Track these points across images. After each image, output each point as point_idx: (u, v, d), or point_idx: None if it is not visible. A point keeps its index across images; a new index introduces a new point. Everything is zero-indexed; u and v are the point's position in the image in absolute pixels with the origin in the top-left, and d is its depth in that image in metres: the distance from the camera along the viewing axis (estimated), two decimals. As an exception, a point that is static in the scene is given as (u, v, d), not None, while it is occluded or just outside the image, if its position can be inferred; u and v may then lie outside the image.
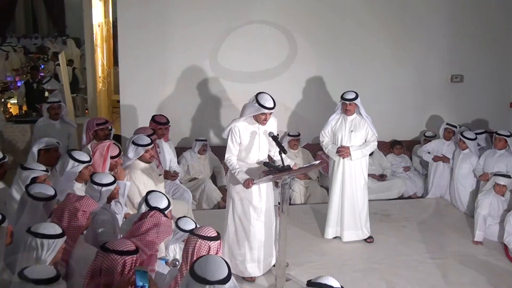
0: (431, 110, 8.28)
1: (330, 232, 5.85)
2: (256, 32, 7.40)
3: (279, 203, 4.62)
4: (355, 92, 5.63)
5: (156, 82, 7.31)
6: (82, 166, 4.27)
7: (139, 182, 4.76)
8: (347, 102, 5.59)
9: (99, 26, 10.19)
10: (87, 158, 4.32)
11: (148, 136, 5.08)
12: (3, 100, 10.09)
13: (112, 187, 3.98)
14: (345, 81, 7.50)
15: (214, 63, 7.39)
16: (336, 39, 7.67)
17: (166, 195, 3.92)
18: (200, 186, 6.91)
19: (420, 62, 8.05)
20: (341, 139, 5.66)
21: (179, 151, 7.41)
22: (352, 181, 5.68)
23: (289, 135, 7.44)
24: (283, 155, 4.46)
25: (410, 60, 7.99)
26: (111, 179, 4.00)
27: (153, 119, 5.91)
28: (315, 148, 7.68)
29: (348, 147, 5.60)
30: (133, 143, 4.81)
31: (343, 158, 5.63)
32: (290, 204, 7.10)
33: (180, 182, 6.68)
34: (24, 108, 9.43)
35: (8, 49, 13.08)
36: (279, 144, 4.55)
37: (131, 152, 4.81)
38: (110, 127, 6.65)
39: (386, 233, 6.09)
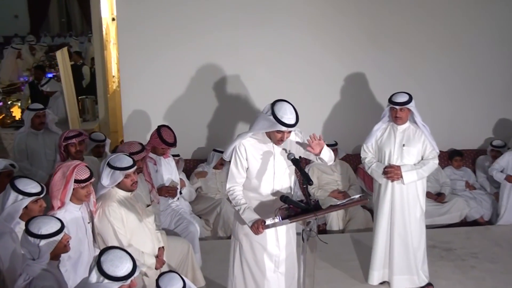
0: (498, 112, 6.78)
1: (376, 277, 4.51)
2: (281, 20, 6.10)
3: (303, 231, 3.29)
4: (408, 94, 4.27)
5: (164, 83, 6.13)
6: (28, 200, 3.12)
7: (114, 218, 3.56)
8: (397, 107, 4.23)
9: (113, 20, 9.11)
10: (36, 189, 3.17)
11: (132, 154, 3.89)
12: (9, 102, 9.16)
13: (56, 238, 2.80)
14: (392, 79, 6.18)
15: (233, 59, 6.13)
16: (380, 28, 6.25)
17: (131, 252, 2.68)
18: (215, 209, 5.67)
19: (483, 53, 6.54)
20: (390, 155, 4.31)
21: (192, 164, 6.22)
22: (404, 211, 4.32)
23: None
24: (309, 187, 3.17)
25: (470, 51, 6.50)
26: (56, 226, 2.81)
27: (160, 135, 4.65)
28: (356, 160, 6.34)
29: (398, 167, 4.24)
30: (109, 165, 3.61)
31: (392, 181, 4.28)
32: (325, 230, 5.84)
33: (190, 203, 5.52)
34: (29, 112, 8.42)
35: (22, 47, 12.18)
36: (302, 170, 3.26)
37: (106, 177, 3.60)
38: (104, 138, 5.55)
39: (449, 277, 4.70)
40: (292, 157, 3.33)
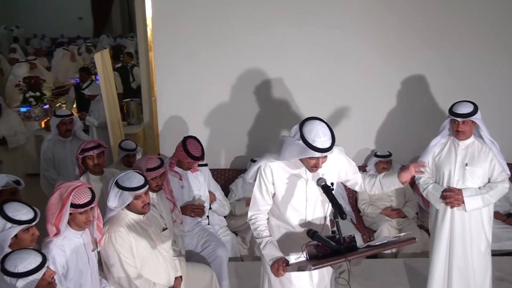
0: None
1: (430, 318, 3.86)
2: (328, 20, 5.48)
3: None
4: (473, 103, 3.59)
5: (201, 87, 5.67)
6: (17, 228, 2.74)
7: (121, 246, 3.13)
8: (459, 120, 3.56)
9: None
10: (27, 216, 2.78)
11: (149, 170, 3.46)
12: (58, 105, 9.09)
13: (36, 276, 2.39)
14: (457, 82, 5.44)
15: (276, 62, 5.58)
16: (444, 25, 5.52)
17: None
18: (252, 225, 5.16)
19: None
20: (449, 176, 3.64)
21: (232, 174, 5.75)
22: (466, 244, 3.64)
23: (376, 155, 5.49)
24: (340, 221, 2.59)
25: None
26: (35, 262, 2.41)
27: (185, 147, 4.17)
28: (413, 173, 5.64)
29: (460, 191, 3.57)
30: (117, 185, 3.18)
31: (452, 207, 3.62)
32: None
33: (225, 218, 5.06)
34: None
35: (74, 49, 12.19)
36: (334, 200, 2.68)
37: (114, 198, 3.18)
38: (135, 146, 5.16)
39: (520, 320, 3.98)
40: (323, 183, 2.76)
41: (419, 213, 5.56)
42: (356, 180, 3.07)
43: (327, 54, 5.56)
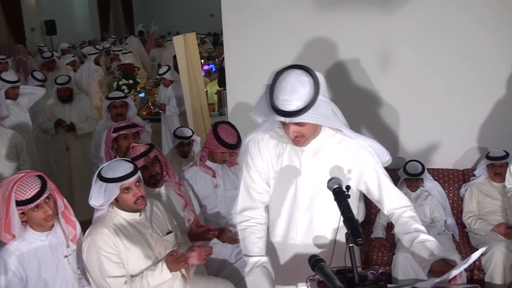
0: None
1: None
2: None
3: None
4: None
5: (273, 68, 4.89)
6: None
7: (104, 254, 2.45)
8: None
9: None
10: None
11: (136, 158, 2.85)
12: (156, 95, 8.90)
13: None
14: None
15: (367, 36, 4.55)
16: None
17: None
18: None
19: None
20: None
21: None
22: None
23: (488, 156, 4.29)
24: (354, 247, 1.67)
25: None
26: None
27: (216, 134, 3.42)
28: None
29: None
30: (100, 177, 2.53)
31: None
32: (481, 282, 4.00)
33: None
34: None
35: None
36: (346, 213, 1.73)
37: (97, 194, 2.51)
38: (191, 133, 4.58)
39: None
40: (335, 186, 1.80)
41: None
42: (387, 201, 2.11)
43: (431, 30, 4.42)
